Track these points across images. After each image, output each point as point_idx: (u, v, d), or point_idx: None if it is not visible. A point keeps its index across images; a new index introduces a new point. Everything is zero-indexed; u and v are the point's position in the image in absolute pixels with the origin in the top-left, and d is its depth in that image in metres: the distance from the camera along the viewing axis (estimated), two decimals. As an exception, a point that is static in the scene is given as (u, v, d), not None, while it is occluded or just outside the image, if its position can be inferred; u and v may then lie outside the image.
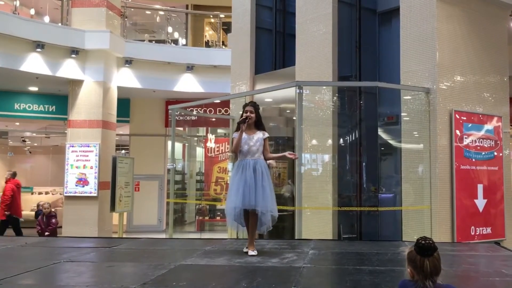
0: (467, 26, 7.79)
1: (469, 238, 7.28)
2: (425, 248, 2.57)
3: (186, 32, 17.85)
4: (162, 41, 16.25)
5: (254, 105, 5.47)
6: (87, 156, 12.83)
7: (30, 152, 21.20)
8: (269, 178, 5.32)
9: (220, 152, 13.79)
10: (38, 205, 10.31)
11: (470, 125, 7.52)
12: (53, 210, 11.66)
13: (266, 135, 5.39)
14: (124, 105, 15.61)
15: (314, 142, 8.42)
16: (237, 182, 5.19)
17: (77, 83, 13.02)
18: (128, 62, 13.94)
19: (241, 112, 5.45)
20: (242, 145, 5.26)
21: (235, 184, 5.19)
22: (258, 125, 5.41)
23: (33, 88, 14.37)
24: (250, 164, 5.21)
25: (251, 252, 5.11)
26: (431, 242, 2.59)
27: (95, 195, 12.77)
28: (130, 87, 14.30)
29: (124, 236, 12.47)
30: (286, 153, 5.46)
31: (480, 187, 7.54)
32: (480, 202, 7.51)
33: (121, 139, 17.14)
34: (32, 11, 14.89)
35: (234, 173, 5.30)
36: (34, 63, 12.15)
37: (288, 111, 9.77)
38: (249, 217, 5.20)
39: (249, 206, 5.10)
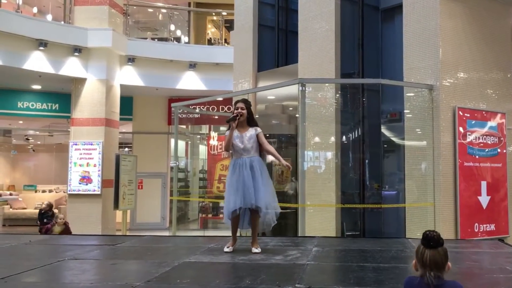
0: (470, 22, 7.76)
1: (473, 235, 7.27)
2: (428, 239, 2.57)
3: (189, 30, 17.84)
4: (165, 39, 16.25)
5: (245, 101, 5.38)
6: (91, 154, 12.86)
7: (33, 150, 21.25)
8: (267, 174, 5.29)
9: (223, 149, 13.76)
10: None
11: (473, 122, 7.51)
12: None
13: (259, 130, 5.29)
14: (127, 103, 15.63)
15: (317, 139, 8.42)
16: (235, 181, 5.11)
17: (80, 81, 13.04)
18: (131, 60, 13.95)
19: (232, 109, 5.39)
20: (237, 143, 5.19)
21: (234, 184, 5.11)
22: (250, 121, 5.34)
23: (36, 87, 14.40)
24: (247, 162, 5.15)
25: (254, 250, 5.10)
26: (435, 234, 2.59)
27: (99, 193, 12.80)
28: (133, 85, 14.31)
29: (128, 233, 12.49)
30: (283, 162, 5.24)
31: (483, 184, 7.52)
32: (484, 199, 7.50)
33: (124, 137, 17.17)
34: (35, 10, 14.91)
35: (231, 172, 5.21)
36: (37, 62, 12.17)
37: (291, 108, 9.76)
38: (251, 215, 5.20)
39: (250, 205, 5.09)
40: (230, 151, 5.36)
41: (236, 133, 5.19)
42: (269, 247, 5.45)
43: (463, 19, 7.68)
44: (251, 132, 5.25)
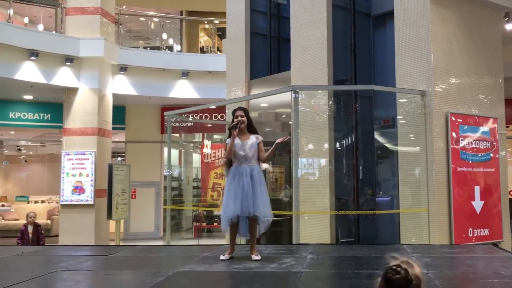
0: (461, 28, 7.81)
1: (467, 240, 7.28)
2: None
3: (181, 39, 17.85)
4: (157, 48, 16.24)
5: (244, 109, 5.47)
6: (83, 164, 12.78)
7: (25, 161, 21.16)
8: (265, 183, 5.34)
9: (217, 158, 13.75)
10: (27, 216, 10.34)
11: (466, 127, 7.53)
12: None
13: (260, 138, 5.35)
14: (120, 112, 15.57)
15: (310, 146, 8.41)
16: (234, 189, 5.15)
17: (72, 91, 12.98)
18: (123, 69, 13.91)
19: (232, 118, 5.42)
20: (238, 151, 5.22)
21: (233, 192, 5.15)
22: (250, 128, 5.38)
23: (28, 97, 14.33)
24: (247, 171, 5.18)
25: (254, 257, 5.12)
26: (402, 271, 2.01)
27: (92, 203, 12.70)
28: (126, 94, 14.27)
29: (121, 243, 12.42)
30: (277, 141, 5.24)
31: (477, 189, 7.54)
32: (478, 204, 7.51)
33: (117, 146, 17.10)
34: (26, 20, 14.86)
35: (231, 179, 5.24)
36: (28, 72, 12.12)
37: (284, 115, 9.76)
38: (249, 223, 5.21)
39: (247, 214, 5.10)
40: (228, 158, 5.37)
41: (237, 140, 5.22)
42: (264, 255, 5.42)
43: (454, 25, 7.73)
44: (252, 140, 5.28)
